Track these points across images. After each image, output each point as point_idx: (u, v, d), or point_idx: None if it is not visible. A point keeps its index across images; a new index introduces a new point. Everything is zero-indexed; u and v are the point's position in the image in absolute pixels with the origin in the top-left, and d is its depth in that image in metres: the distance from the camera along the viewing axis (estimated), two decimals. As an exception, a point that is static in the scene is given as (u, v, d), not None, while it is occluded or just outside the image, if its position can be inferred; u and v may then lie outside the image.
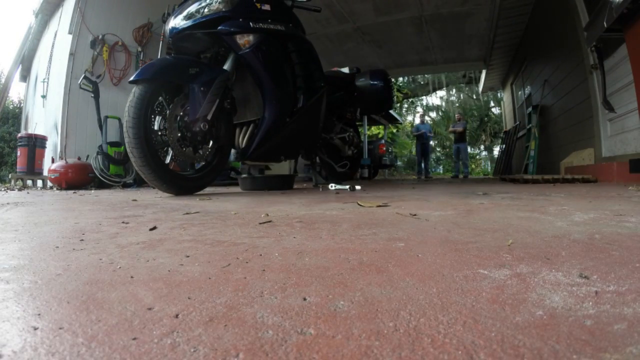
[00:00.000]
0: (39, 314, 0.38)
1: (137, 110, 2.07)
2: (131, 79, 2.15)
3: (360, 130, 5.09)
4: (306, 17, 3.84)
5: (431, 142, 11.77)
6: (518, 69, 8.41)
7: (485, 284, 0.46)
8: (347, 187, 2.76)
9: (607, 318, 0.34)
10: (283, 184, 3.14)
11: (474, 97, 19.34)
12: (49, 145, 5.12)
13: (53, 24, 6.21)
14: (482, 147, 20.38)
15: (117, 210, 1.48)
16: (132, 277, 0.52)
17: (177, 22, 2.45)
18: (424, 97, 20.75)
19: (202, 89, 2.23)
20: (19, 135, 5.16)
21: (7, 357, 0.29)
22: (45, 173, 4.48)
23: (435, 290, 0.44)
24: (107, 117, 4.69)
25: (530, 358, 0.27)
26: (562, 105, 5.37)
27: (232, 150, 2.80)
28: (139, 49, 5.52)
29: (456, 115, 10.44)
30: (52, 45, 5.89)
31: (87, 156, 4.70)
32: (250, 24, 2.41)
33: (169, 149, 2.35)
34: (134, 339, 0.32)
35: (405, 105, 21.04)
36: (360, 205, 1.41)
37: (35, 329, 0.35)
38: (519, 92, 8.68)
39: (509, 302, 0.39)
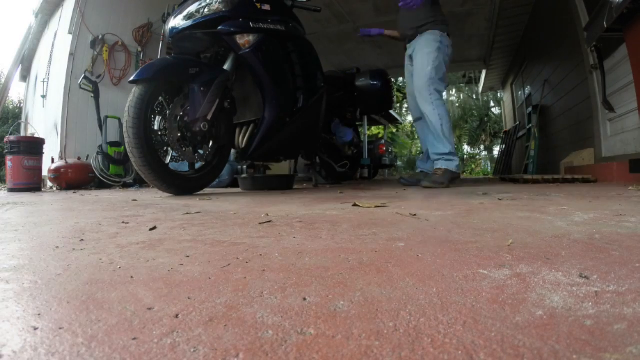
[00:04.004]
0: (39, 314, 0.38)
1: (137, 110, 2.07)
2: (131, 79, 2.15)
3: (360, 130, 5.09)
4: (306, 17, 3.84)
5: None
6: (518, 69, 8.40)
7: (485, 284, 0.46)
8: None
9: (607, 318, 0.34)
10: (283, 184, 3.14)
11: (474, 97, 19.33)
12: (49, 145, 5.12)
13: (53, 24, 6.21)
14: (482, 147, 20.37)
15: (117, 210, 1.48)
16: (132, 277, 0.52)
17: (177, 22, 2.45)
18: (424, 97, 20.69)
19: (202, 89, 2.23)
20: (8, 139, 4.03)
21: (7, 357, 0.29)
22: (45, 173, 4.47)
23: (435, 290, 0.44)
24: (107, 117, 4.68)
25: (530, 358, 0.27)
26: (562, 105, 5.37)
27: (232, 150, 2.80)
28: (139, 49, 5.51)
29: None
30: (52, 45, 5.88)
31: (87, 156, 4.70)
32: (250, 24, 2.41)
33: (169, 149, 2.35)
34: (134, 339, 0.32)
35: (405, 105, 21.03)
36: (359, 206, 1.41)
37: (35, 329, 0.35)
38: (519, 92, 8.68)
39: (509, 302, 0.39)
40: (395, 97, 4.97)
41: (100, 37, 5.10)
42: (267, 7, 2.55)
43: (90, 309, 0.39)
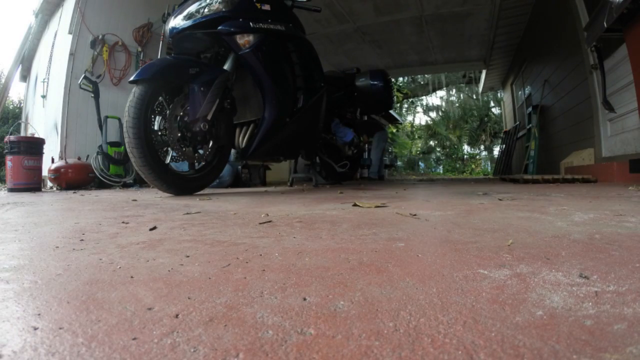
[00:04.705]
0: (39, 314, 0.38)
1: (137, 110, 2.07)
2: (131, 79, 2.15)
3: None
4: (306, 17, 3.84)
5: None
6: (518, 69, 8.40)
7: (485, 284, 0.46)
8: None
9: (607, 318, 0.34)
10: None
11: (474, 97, 19.33)
12: (49, 145, 5.12)
13: (53, 24, 6.20)
14: (482, 147, 20.37)
15: (117, 210, 1.48)
16: (132, 277, 0.52)
17: (177, 22, 2.45)
18: (424, 97, 20.75)
19: (202, 89, 2.23)
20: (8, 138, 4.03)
21: (7, 357, 0.29)
22: (45, 173, 4.46)
23: (435, 290, 0.44)
24: (107, 117, 4.68)
25: (530, 358, 0.27)
26: (562, 105, 5.37)
27: (232, 150, 2.80)
28: (139, 49, 5.51)
29: None
30: (52, 45, 5.88)
31: (87, 156, 4.70)
32: (250, 24, 2.41)
33: (169, 149, 2.35)
34: (134, 339, 0.32)
35: (405, 105, 21.05)
36: (359, 206, 1.41)
37: (35, 329, 0.35)
38: (519, 92, 8.68)
39: (509, 302, 0.39)
40: (395, 97, 4.96)
41: (100, 37, 5.10)
42: (267, 7, 2.55)
43: (90, 309, 0.39)
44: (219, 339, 0.32)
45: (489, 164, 18.95)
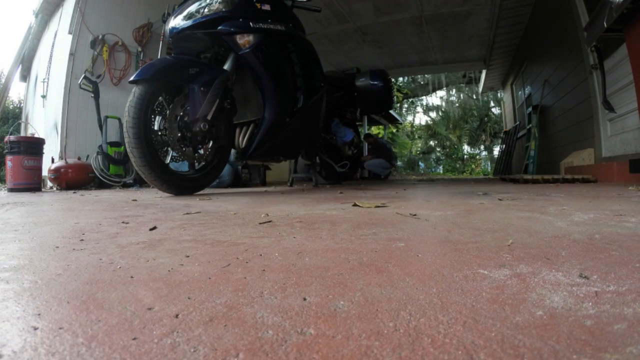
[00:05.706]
0: (39, 314, 0.38)
1: (137, 110, 2.07)
2: (131, 79, 2.15)
3: (360, 130, 5.09)
4: (306, 17, 3.84)
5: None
6: (518, 69, 8.40)
7: (485, 284, 0.46)
8: None
9: (607, 318, 0.34)
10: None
11: (474, 97, 19.33)
12: (49, 145, 5.12)
13: (53, 24, 6.20)
14: (482, 147, 20.38)
15: (117, 210, 1.48)
16: (132, 277, 0.52)
17: (177, 22, 2.45)
18: (424, 97, 20.76)
19: (202, 89, 2.23)
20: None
21: (7, 357, 0.29)
22: (45, 173, 4.46)
23: (435, 290, 0.44)
24: (107, 117, 4.69)
25: (530, 358, 0.27)
26: (562, 105, 5.36)
27: (232, 150, 2.80)
28: (139, 49, 5.51)
29: None
30: (52, 45, 5.88)
31: (87, 156, 4.70)
32: (250, 24, 2.41)
33: (169, 149, 2.35)
34: (134, 339, 0.32)
35: (405, 105, 21.05)
36: (359, 206, 1.41)
37: (35, 329, 0.35)
38: (519, 92, 8.68)
39: (509, 302, 0.39)
40: (395, 97, 4.97)
41: (100, 37, 5.10)
42: (267, 7, 2.55)
43: (90, 309, 0.39)
44: (219, 339, 0.32)
45: (489, 164, 18.95)
